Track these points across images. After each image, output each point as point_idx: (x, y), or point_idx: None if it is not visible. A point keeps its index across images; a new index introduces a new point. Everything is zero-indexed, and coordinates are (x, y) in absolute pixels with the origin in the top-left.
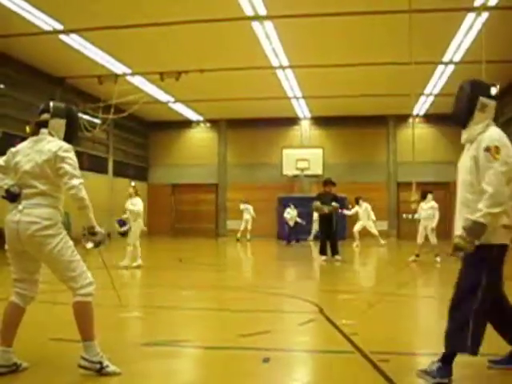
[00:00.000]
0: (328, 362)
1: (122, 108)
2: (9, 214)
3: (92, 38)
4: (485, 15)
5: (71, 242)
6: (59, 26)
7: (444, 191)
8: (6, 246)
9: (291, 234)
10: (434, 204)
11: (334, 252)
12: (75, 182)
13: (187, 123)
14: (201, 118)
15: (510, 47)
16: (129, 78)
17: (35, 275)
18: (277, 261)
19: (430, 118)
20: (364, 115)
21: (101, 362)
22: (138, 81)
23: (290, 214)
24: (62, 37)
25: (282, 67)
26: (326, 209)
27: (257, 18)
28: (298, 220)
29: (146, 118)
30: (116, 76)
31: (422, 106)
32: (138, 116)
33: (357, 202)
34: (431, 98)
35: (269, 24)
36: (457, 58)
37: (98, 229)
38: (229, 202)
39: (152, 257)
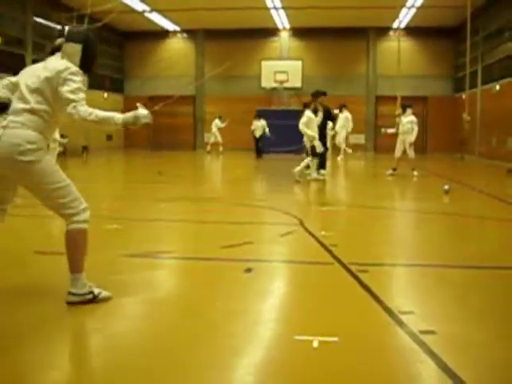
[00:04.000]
0: (308, 272)
1: (96, 18)
2: None
3: None
4: None
5: (57, 167)
6: None
7: (422, 105)
8: None
9: (259, 147)
10: (413, 118)
11: (321, 166)
12: (71, 109)
13: (164, 33)
14: (178, 28)
15: None
16: None
17: (4, 204)
18: (256, 174)
19: (410, 30)
20: (344, 27)
21: (91, 292)
22: None
23: (255, 125)
24: None
25: None
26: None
27: None
28: (267, 132)
29: (122, 29)
30: None
31: (403, 19)
32: (113, 26)
33: (340, 110)
34: (413, 10)
35: None
36: None
37: (124, 117)
38: (206, 115)
39: (129, 170)
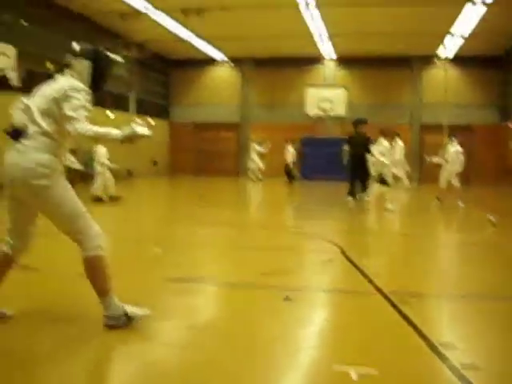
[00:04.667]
0: (348, 301)
1: (143, 45)
2: (7, 153)
3: None
4: None
5: (73, 192)
6: None
7: (467, 134)
8: (4, 190)
9: (291, 172)
10: (458, 148)
11: (363, 190)
12: (69, 126)
13: (210, 61)
14: (223, 57)
15: None
16: (151, 14)
17: (30, 226)
18: (298, 200)
19: (454, 58)
20: (389, 55)
21: (126, 313)
22: (161, 18)
23: (288, 151)
24: None
25: (307, 4)
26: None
27: None
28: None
29: (168, 56)
30: (138, 13)
31: (448, 48)
32: (159, 54)
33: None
34: (457, 39)
35: None
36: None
37: (121, 133)
38: (250, 142)
39: (173, 194)
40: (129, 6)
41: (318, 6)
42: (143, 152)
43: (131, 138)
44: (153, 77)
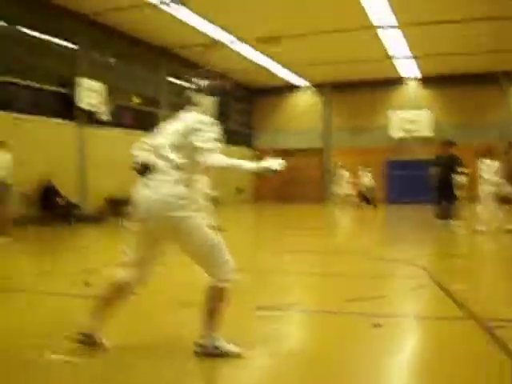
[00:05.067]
0: (440, 329)
1: (226, 75)
2: (138, 190)
3: (195, 7)
4: None
5: (207, 225)
6: None
7: None
8: (135, 224)
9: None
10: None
11: (451, 216)
12: (200, 157)
13: (291, 88)
14: (305, 83)
15: None
16: (231, 45)
17: (154, 263)
18: (384, 225)
19: None
20: (474, 73)
21: (218, 347)
22: (241, 47)
23: (364, 175)
24: (166, 8)
25: (386, 26)
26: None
27: None
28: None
29: (250, 85)
30: (219, 44)
31: None
32: (242, 83)
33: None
34: None
35: None
36: None
37: (255, 166)
38: (338, 167)
39: (258, 221)
40: (210, 37)
41: (397, 26)
42: (228, 180)
43: (263, 173)
44: (236, 106)
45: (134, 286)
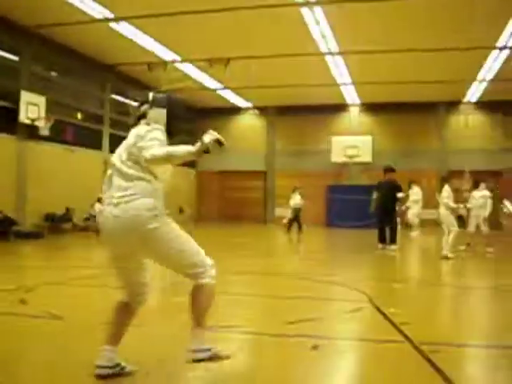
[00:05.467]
0: (377, 352)
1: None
2: (102, 211)
3: (141, 25)
4: None
5: (179, 228)
6: (110, 15)
7: (496, 180)
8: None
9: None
10: (486, 193)
11: (391, 240)
12: (144, 153)
13: (236, 110)
14: (249, 105)
15: None
16: (178, 64)
17: (141, 278)
18: (325, 248)
19: (481, 104)
20: (414, 102)
21: (210, 349)
22: (187, 68)
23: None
24: (113, 25)
25: (331, 53)
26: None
27: (306, 4)
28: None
29: (195, 105)
30: (165, 63)
31: (474, 93)
32: (186, 103)
33: (410, 186)
34: (484, 84)
35: (318, 9)
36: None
37: (194, 148)
38: (277, 189)
39: (201, 242)
40: (157, 57)
41: (343, 53)
42: (171, 200)
43: (208, 150)
44: (179, 125)
45: (135, 304)
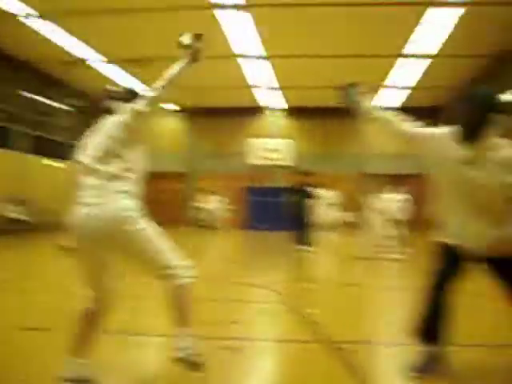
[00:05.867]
0: (295, 352)
1: (86, 94)
2: (77, 209)
3: (62, 23)
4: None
5: (155, 228)
6: (29, 10)
7: (413, 183)
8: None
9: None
10: (398, 196)
11: (307, 242)
12: (147, 104)
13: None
14: (169, 106)
15: (481, 42)
16: (96, 64)
17: (106, 277)
18: (243, 250)
19: (400, 110)
20: (335, 106)
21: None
22: (106, 67)
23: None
24: (30, 21)
25: (249, 56)
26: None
27: (231, 7)
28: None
29: None
30: (83, 61)
31: (392, 99)
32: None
33: (326, 189)
34: (397, 91)
35: (244, 13)
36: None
37: (184, 60)
38: (197, 191)
39: None
40: (72, 55)
41: (263, 57)
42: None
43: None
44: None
45: (100, 311)
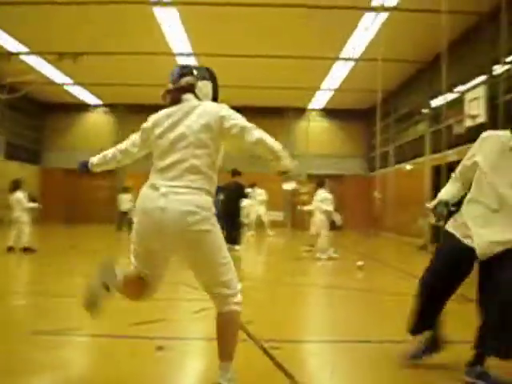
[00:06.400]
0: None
1: (15, 88)
2: (144, 198)
3: None
4: (384, 15)
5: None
6: None
7: (338, 183)
8: (135, 239)
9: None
10: (327, 195)
11: (236, 241)
12: (248, 135)
13: (84, 107)
14: (99, 102)
15: (405, 47)
16: (24, 57)
17: (164, 271)
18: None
19: (327, 112)
20: (263, 106)
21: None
22: (34, 60)
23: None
24: None
25: (183, 54)
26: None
27: (160, 3)
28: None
29: (41, 100)
30: (10, 54)
31: (320, 101)
32: (32, 97)
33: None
34: (329, 93)
35: (172, 10)
36: (356, 55)
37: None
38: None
39: (44, 243)
40: (1, 47)
41: (195, 55)
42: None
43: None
44: (24, 120)
45: (147, 287)
